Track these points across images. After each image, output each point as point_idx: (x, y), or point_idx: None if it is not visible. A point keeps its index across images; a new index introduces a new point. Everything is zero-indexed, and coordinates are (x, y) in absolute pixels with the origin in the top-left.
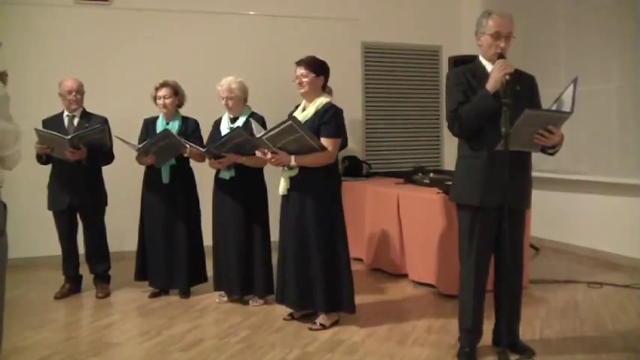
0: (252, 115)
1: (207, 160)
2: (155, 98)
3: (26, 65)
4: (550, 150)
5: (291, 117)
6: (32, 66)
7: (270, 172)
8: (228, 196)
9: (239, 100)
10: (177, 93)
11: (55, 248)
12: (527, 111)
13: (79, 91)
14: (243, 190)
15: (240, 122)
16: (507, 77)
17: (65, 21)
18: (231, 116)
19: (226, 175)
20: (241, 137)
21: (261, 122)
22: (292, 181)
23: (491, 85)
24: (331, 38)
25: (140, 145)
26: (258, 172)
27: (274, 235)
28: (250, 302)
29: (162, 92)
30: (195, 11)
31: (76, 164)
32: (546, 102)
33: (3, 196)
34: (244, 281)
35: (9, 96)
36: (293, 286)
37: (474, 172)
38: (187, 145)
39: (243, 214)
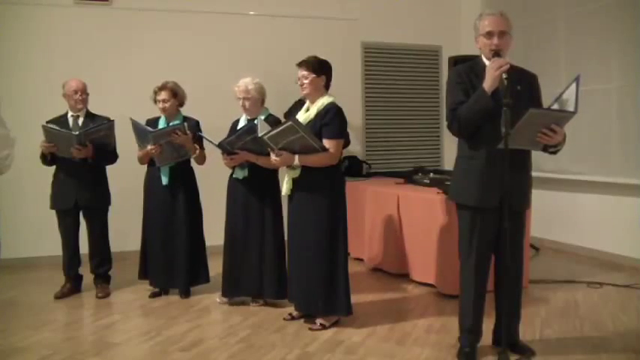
0: (269, 116)
1: (208, 162)
2: (155, 101)
3: (26, 66)
4: (552, 149)
5: (291, 117)
6: (32, 66)
7: (281, 174)
8: (241, 197)
9: (256, 102)
10: (176, 95)
11: (55, 248)
12: (531, 110)
13: (84, 90)
14: (256, 190)
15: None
16: (505, 75)
17: (65, 21)
18: (249, 117)
19: (240, 174)
20: (254, 134)
21: (276, 124)
22: (295, 182)
23: (488, 85)
24: (331, 38)
25: (231, 138)
26: (273, 174)
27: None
28: (250, 302)
29: (161, 96)
30: (195, 11)
31: (81, 163)
32: (547, 102)
33: None
34: (256, 284)
35: None
36: (296, 287)
37: (472, 172)
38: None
39: (255, 215)
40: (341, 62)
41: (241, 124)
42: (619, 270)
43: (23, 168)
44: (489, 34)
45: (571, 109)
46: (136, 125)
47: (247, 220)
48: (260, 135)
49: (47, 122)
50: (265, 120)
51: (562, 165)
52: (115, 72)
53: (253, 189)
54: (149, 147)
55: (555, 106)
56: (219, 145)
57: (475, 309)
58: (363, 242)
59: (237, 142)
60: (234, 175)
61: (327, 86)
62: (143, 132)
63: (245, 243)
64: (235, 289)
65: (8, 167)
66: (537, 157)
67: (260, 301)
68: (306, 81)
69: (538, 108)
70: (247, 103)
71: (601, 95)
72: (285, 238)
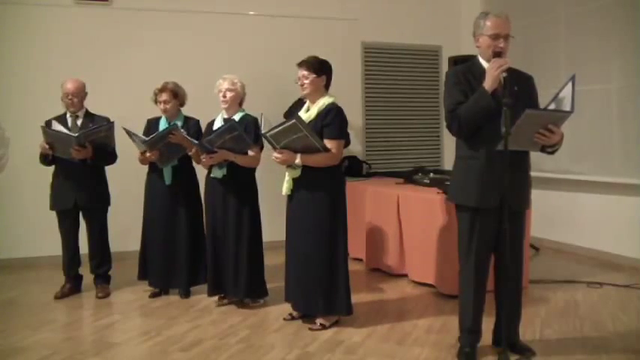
0: (247, 116)
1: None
2: (156, 102)
3: (26, 66)
4: (549, 149)
5: (295, 116)
6: (32, 66)
7: (265, 173)
8: (220, 196)
9: (237, 97)
10: (176, 95)
11: (55, 248)
12: (527, 111)
13: (75, 94)
14: (234, 189)
15: None
16: (504, 74)
17: (65, 21)
18: (226, 116)
19: (218, 174)
20: (235, 132)
21: (254, 124)
22: (295, 181)
23: (488, 84)
24: (331, 38)
25: (212, 140)
26: (250, 173)
27: (268, 235)
28: (250, 302)
29: (162, 97)
30: (195, 11)
31: (80, 164)
32: (544, 102)
33: None
34: (233, 283)
35: None
36: (295, 287)
37: (472, 172)
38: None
39: (233, 215)
40: (341, 62)
41: (217, 124)
42: (619, 270)
43: (23, 168)
44: (496, 37)
45: (567, 108)
46: (130, 134)
47: (225, 219)
48: (263, 132)
49: (46, 122)
50: (242, 119)
51: (562, 165)
52: (115, 72)
53: (231, 188)
54: (147, 154)
55: (552, 106)
56: (200, 145)
57: (475, 309)
58: (363, 242)
59: (217, 140)
60: (212, 175)
61: (327, 86)
62: (138, 140)
63: (224, 242)
64: (217, 288)
65: (4, 167)
66: (537, 157)
67: (260, 300)
68: (306, 81)
69: (534, 109)
70: (229, 95)
71: (601, 95)
72: (283, 238)
